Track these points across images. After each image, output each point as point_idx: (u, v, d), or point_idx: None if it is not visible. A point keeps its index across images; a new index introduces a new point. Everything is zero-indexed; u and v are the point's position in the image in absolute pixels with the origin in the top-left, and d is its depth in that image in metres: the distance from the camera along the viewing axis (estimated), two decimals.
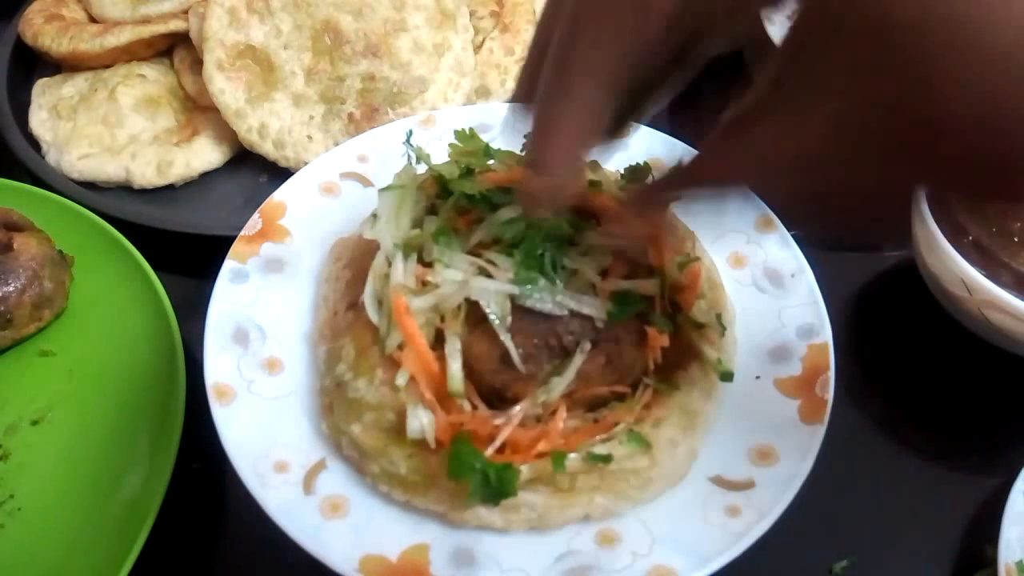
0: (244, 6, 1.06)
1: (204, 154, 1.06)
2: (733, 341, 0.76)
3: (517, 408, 0.63)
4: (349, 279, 0.74)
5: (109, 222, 0.94)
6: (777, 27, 1.22)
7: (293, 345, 0.75)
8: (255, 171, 1.08)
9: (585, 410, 0.67)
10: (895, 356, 0.93)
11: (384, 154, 0.88)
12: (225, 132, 1.07)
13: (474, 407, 0.64)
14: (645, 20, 0.47)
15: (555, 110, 0.51)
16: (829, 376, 0.72)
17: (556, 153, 0.52)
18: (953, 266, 0.82)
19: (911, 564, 0.78)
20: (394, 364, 0.65)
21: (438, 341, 0.65)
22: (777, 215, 0.81)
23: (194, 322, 0.79)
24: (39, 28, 1.13)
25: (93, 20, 1.18)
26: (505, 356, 0.63)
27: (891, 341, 0.95)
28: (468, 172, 0.71)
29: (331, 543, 0.62)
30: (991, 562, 0.72)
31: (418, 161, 0.73)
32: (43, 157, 1.07)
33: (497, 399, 0.65)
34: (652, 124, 0.92)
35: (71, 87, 1.13)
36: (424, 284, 0.65)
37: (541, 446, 0.63)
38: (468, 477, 0.60)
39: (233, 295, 0.76)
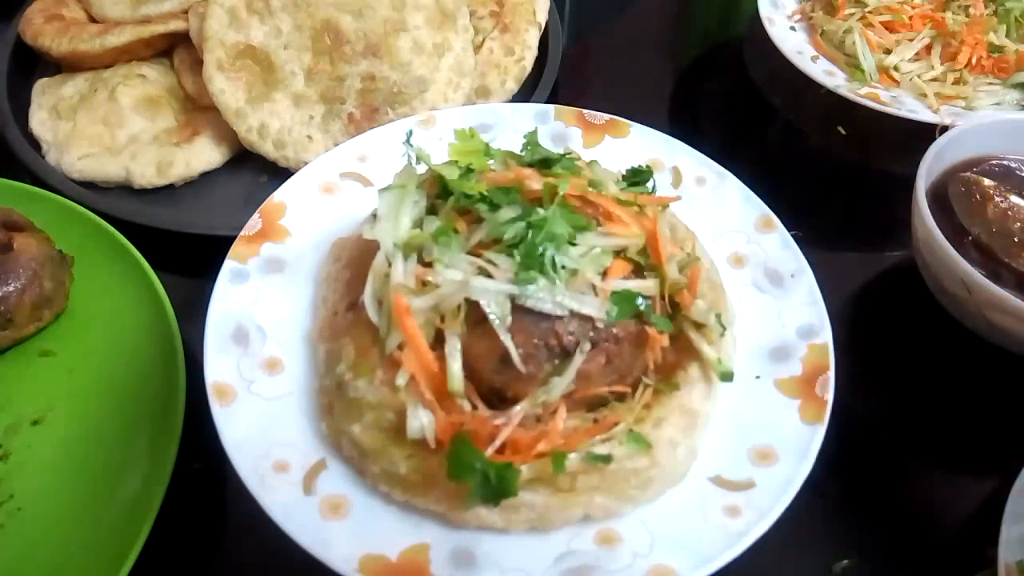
0: (244, 6, 1.06)
1: (204, 154, 1.06)
2: (733, 341, 0.76)
3: (517, 408, 0.63)
4: (349, 279, 0.74)
5: (109, 222, 0.94)
6: (777, 27, 1.22)
7: (293, 345, 0.75)
8: (255, 171, 1.08)
9: (585, 410, 0.66)
10: (895, 356, 0.94)
11: (384, 154, 0.88)
12: (225, 132, 1.07)
13: (474, 407, 0.64)
14: None
15: None
16: (829, 376, 0.72)
17: None
18: (953, 266, 0.82)
19: (911, 564, 0.78)
20: (394, 364, 0.65)
21: (438, 341, 0.65)
22: None
23: (194, 322, 0.79)
24: (39, 28, 1.13)
25: (93, 20, 1.18)
26: (505, 356, 0.63)
27: (891, 341, 0.95)
28: (468, 172, 0.71)
29: (331, 543, 0.62)
30: (991, 562, 0.72)
31: (418, 161, 0.73)
32: (43, 157, 1.07)
33: (497, 399, 0.65)
34: (652, 124, 0.92)
35: (71, 87, 1.13)
36: (424, 284, 0.65)
37: (541, 446, 0.63)
38: (468, 477, 0.60)
39: (233, 295, 0.76)
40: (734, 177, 0.87)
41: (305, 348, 0.75)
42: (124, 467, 0.77)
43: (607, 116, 0.93)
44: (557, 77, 1.17)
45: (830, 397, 0.70)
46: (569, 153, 0.78)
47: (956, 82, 1.14)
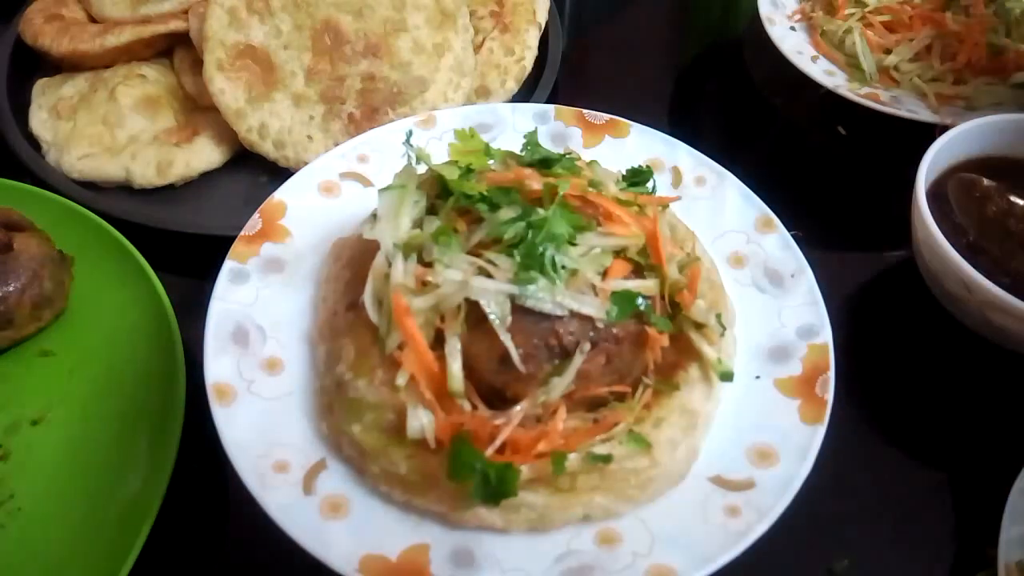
0: (244, 6, 1.06)
1: (204, 154, 1.06)
2: (733, 341, 0.76)
3: (517, 408, 0.63)
4: (349, 279, 0.74)
5: (109, 222, 0.94)
6: (777, 27, 1.22)
7: (293, 345, 0.75)
8: (255, 171, 1.08)
9: (585, 410, 0.66)
10: (895, 356, 0.93)
11: (384, 154, 0.88)
12: (225, 132, 1.07)
13: (474, 407, 0.64)
14: None
15: None
16: (829, 376, 0.72)
17: None
18: (953, 266, 0.82)
19: (911, 564, 0.78)
20: (394, 364, 0.65)
21: (438, 341, 0.65)
22: None
23: (194, 322, 0.79)
24: (39, 28, 1.13)
25: (93, 20, 1.18)
26: (505, 356, 0.63)
27: (891, 341, 0.95)
28: (468, 172, 0.71)
29: (331, 543, 0.62)
30: (991, 562, 0.72)
31: (418, 161, 0.73)
32: (43, 157, 1.07)
33: (497, 399, 0.65)
34: (652, 124, 0.92)
35: (71, 87, 1.13)
36: (424, 284, 0.65)
37: (541, 446, 0.63)
38: (468, 477, 0.60)
39: (233, 295, 0.76)
40: (734, 177, 0.87)
41: (305, 348, 0.75)
42: (124, 467, 0.77)
43: (607, 116, 0.93)
44: (557, 77, 1.17)
45: (830, 397, 0.70)
46: (569, 153, 0.78)
47: (956, 82, 1.14)
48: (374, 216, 0.72)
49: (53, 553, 0.73)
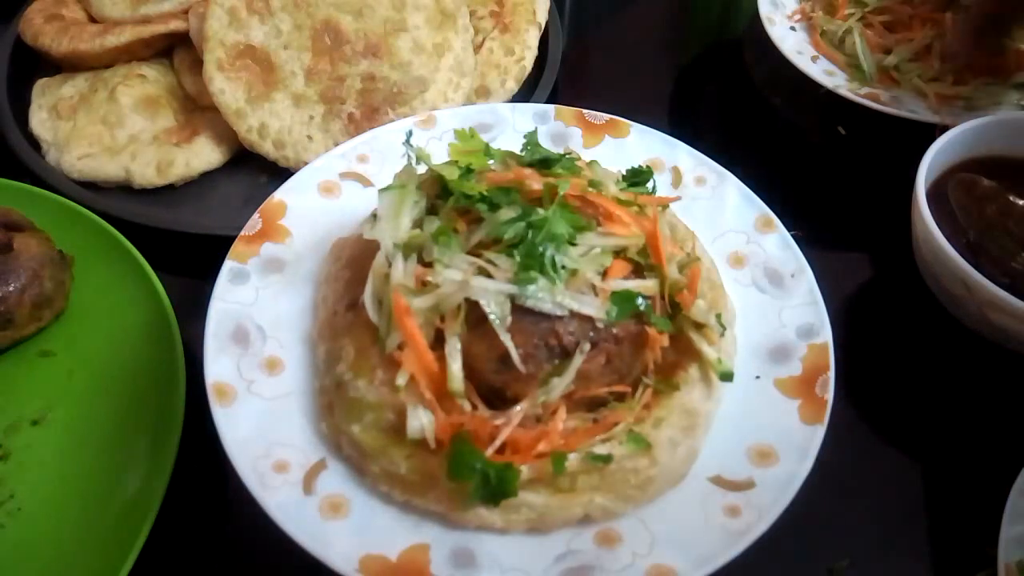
0: (244, 6, 1.06)
1: (204, 154, 1.06)
2: (733, 341, 0.76)
3: (517, 408, 0.63)
4: (349, 279, 0.74)
5: (109, 222, 0.94)
6: (777, 27, 1.22)
7: (293, 345, 0.75)
8: (255, 171, 1.08)
9: (585, 410, 0.66)
10: (895, 356, 0.93)
11: (384, 154, 0.88)
12: (225, 132, 1.07)
13: (474, 407, 0.64)
14: None
15: None
16: (829, 376, 0.72)
17: None
18: (953, 266, 0.82)
19: (911, 564, 0.78)
20: (394, 364, 0.65)
21: (438, 341, 0.65)
22: None
23: (194, 322, 0.79)
24: (39, 28, 1.13)
25: (93, 20, 1.18)
26: (505, 356, 0.63)
27: (891, 341, 0.95)
28: (468, 172, 0.71)
29: (331, 543, 0.62)
30: (991, 562, 0.72)
31: (418, 161, 0.73)
32: (43, 157, 1.07)
33: (497, 399, 0.65)
34: (652, 124, 0.92)
35: (71, 87, 1.13)
36: (424, 284, 0.65)
37: (541, 446, 0.63)
38: (468, 477, 0.60)
39: (233, 295, 0.76)
40: (734, 177, 0.87)
41: (305, 348, 0.75)
42: (124, 467, 0.77)
43: (607, 116, 0.93)
44: (557, 77, 1.17)
45: (830, 397, 0.70)
46: (569, 153, 0.78)
47: (956, 82, 1.14)
48: (374, 216, 0.72)
49: (53, 553, 0.73)
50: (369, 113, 1.06)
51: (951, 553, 0.78)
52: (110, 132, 1.07)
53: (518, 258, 0.64)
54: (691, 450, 0.68)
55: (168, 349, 0.82)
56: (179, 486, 0.73)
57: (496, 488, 0.60)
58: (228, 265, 0.77)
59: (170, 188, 1.05)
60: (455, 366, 0.63)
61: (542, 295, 0.63)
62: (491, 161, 0.74)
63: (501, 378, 0.64)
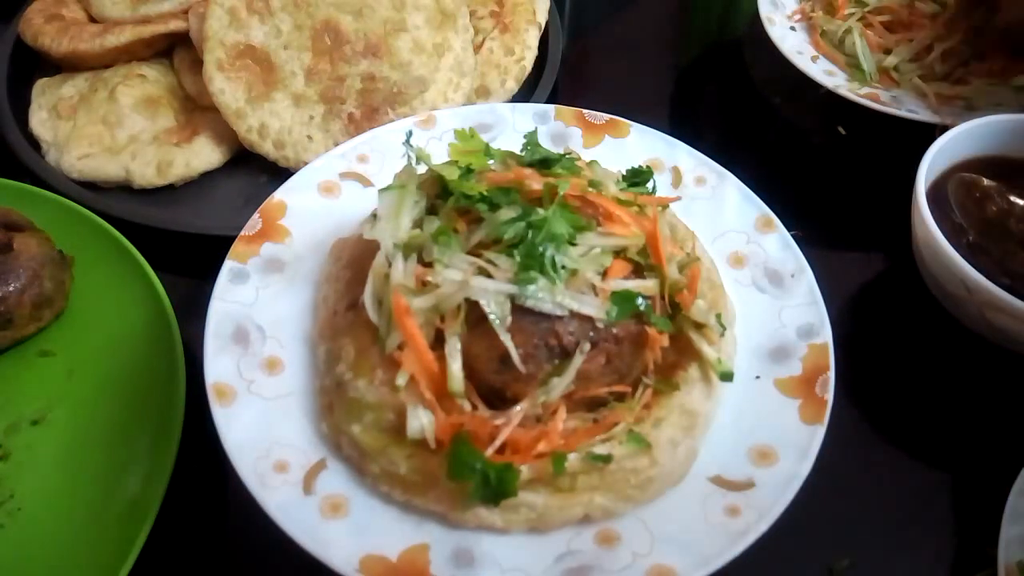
0: (244, 6, 1.06)
1: (204, 154, 1.06)
2: (733, 341, 0.76)
3: (517, 408, 0.63)
4: (349, 279, 0.74)
5: (109, 222, 0.94)
6: (777, 27, 1.22)
7: (293, 345, 0.75)
8: (255, 171, 1.08)
9: (585, 410, 0.67)
10: (895, 356, 0.93)
11: (384, 154, 0.88)
12: (225, 132, 1.07)
13: (474, 407, 0.64)
14: None
15: None
16: (829, 376, 0.72)
17: None
18: (953, 266, 0.82)
19: (911, 564, 0.78)
20: (394, 364, 0.65)
21: (438, 341, 0.65)
22: None
23: (194, 322, 0.79)
24: (39, 28, 1.13)
25: (93, 20, 1.18)
26: (505, 356, 0.63)
27: (891, 341, 0.95)
28: (468, 172, 0.71)
29: (331, 543, 0.62)
30: (991, 562, 0.72)
31: (418, 161, 0.73)
32: (43, 157, 1.07)
33: (497, 399, 0.65)
34: (652, 124, 0.92)
35: (71, 87, 1.13)
36: (424, 284, 0.65)
37: (541, 446, 0.63)
38: (468, 477, 0.60)
39: (233, 295, 0.76)
40: (734, 177, 0.87)
41: (305, 348, 0.75)
42: (124, 467, 0.77)
43: (607, 116, 0.93)
44: (557, 77, 1.17)
45: (830, 397, 0.70)
46: (569, 153, 0.78)
47: (956, 82, 1.14)
48: (374, 216, 0.72)
49: (53, 553, 0.73)
50: (369, 113, 1.06)
51: (951, 553, 0.78)
52: (110, 132, 1.07)
53: (518, 258, 0.64)
54: (691, 450, 0.68)
55: (168, 349, 0.82)
56: (179, 486, 0.73)
57: (496, 488, 0.60)
58: (228, 265, 0.77)
59: (170, 188, 1.05)
60: (455, 366, 0.63)
61: (542, 295, 0.63)
62: (491, 161, 0.74)
63: (501, 378, 0.64)
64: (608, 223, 0.70)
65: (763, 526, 0.63)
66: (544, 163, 0.74)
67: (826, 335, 0.75)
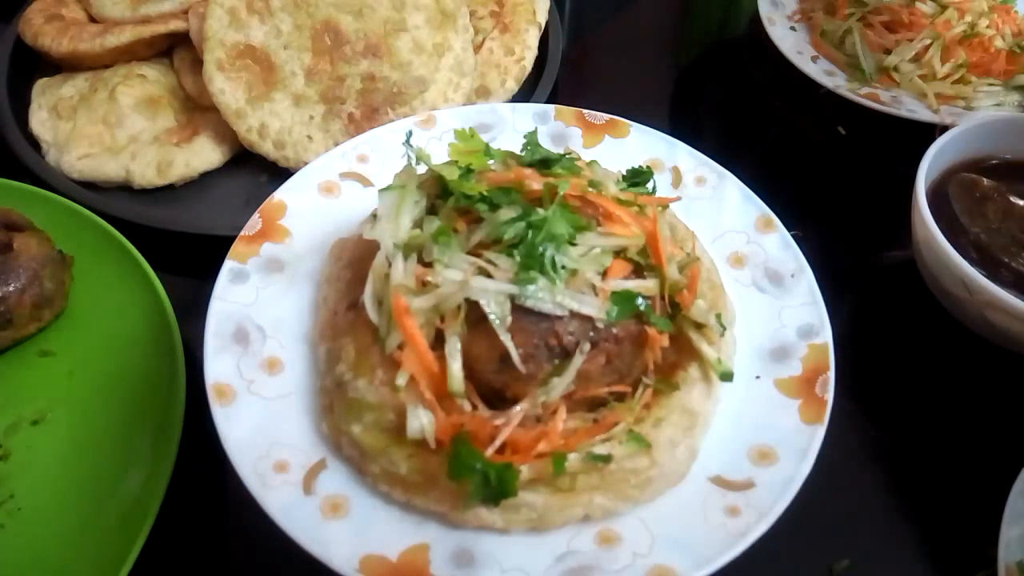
0: (244, 6, 1.06)
1: (204, 154, 1.06)
2: (733, 341, 0.76)
3: (517, 408, 0.63)
4: (349, 279, 0.74)
5: (109, 222, 0.94)
6: (777, 27, 1.22)
7: (293, 345, 0.75)
8: (255, 171, 1.08)
9: (585, 410, 0.67)
10: (895, 356, 0.94)
11: (384, 154, 0.88)
12: (225, 132, 1.06)
13: (474, 407, 0.64)
14: None
15: None
16: (829, 376, 0.72)
17: None
18: (953, 266, 0.82)
19: (911, 564, 0.78)
20: (394, 364, 0.65)
21: (438, 341, 0.65)
22: None
23: (194, 322, 0.79)
24: (39, 28, 1.13)
25: (93, 20, 1.18)
26: (505, 356, 0.63)
27: (891, 341, 0.95)
28: (468, 172, 0.71)
29: (331, 543, 0.62)
30: (991, 562, 0.72)
31: (418, 161, 0.73)
32: (43, 157, 1.07)
33: (497, 399, 0.65)
34: (652, 124, 0.92)
35: (71, 87, 1.13)
36: (424, 284, 0.65)
37: (541, 446, 0.63)
38: (468, 477, 0.60)
39: (233, 295, 0.76)
40: (734, 177, 0.87)
41: (305, 348, 0.75)
42: (124, 467, 0.77)
43: (607, 116, 0.93)
44: (557, 77, 1.17)
45: (830, 397, 0.70)
46: (569, 153, 0.78)
47: (956, 82, 1.14)
48: (374, 216, 0.72)
49: (53, 553, 0.73)
50: (369, 113, 1.06)
51: (951, 553, 0.78)
52: (110, 132, 1.07)
53: (518, 258, 0.64)
54: (691, 450, 0.68)
55: (168, 349, 0.82)
56: (179, 486, 0.73)
57: (496, 488, 0.60)
58: (228, 265, 0.77)
59: (170, 188, 1.05)
60: (455, 366, 0.63)
61: (542, 295, 0.63)
62: (491, 161, 0.74)
63: (501, 378, 0.64)
64: (608, 223, 0.70)
65: (763, 526, 0.63)
66: (544, 163, 0.74)
67: (826, 335, 0.75)
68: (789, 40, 1.21)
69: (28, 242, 0.88)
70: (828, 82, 1.13)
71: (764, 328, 0.77)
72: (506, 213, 0.67)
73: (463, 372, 0.64)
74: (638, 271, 0.69)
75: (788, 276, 0.80)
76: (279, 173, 1.03)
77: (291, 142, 1.05)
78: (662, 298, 0.69)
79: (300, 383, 0.72)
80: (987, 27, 1.17)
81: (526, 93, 1.16)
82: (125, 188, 1.05)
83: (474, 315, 0.64)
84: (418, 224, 0.69)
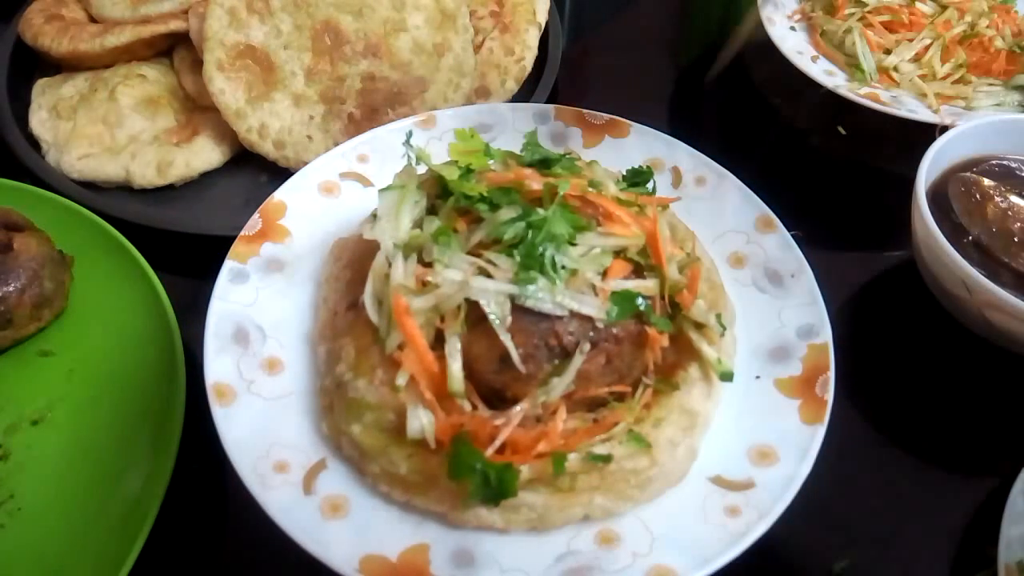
0: (244, 6, 1.06)
1: (204, 154, 1.06)
2: (733, 341, 0.76)
3: (517, 408, 0.63)
4: (349, 279, 0.74)
5: (109, 222, 0.94)
6: (777, 27, 1.22)
7: (293, 345, 0.75)
8: (255, 171, 1.08)
9: (585, 410, 0.67)
10: (895, 356, 0.93)
11: (384, 154, 0.88)
12: (225, 132, 1.07)
13: (474, 407, 0.64)
14: None
15: None
16: (829, 376, 0.72)
17: None
18: (953, 266, 0.82)
19: (911, 564, 0.78)
20: (394, 364, 0.65)
21: (438, 341, 0.65)
22: None
23: (194, 322, 0.79)
24: (39, 28, 1.13)
25: (93, 20, 1.18)
26: (505, 356, 0.63)
27: (891, 341, 0.95)
28: (468, 172, 0.71)
29: (331, 543, 0.62)
30: (991, 562, 0.72)
31: (418, 161, 0.73)
32: (43, 157, 1.07)
33: (497, 399, 0.65)
34: (652, 124, 0.92)
35: (71, 87, 1.13)
36: (424, 284, 0.65)
37: (541, 446, 0.63)
38: (468, 477, 0.60)
39: (233, 295, 0.76)
40: (734, 177, 0.87)
41: (305, 348, 0.75)
42: (124, 467, 0.77)
43: (607, 116, 0.93)
44: (557, 77, 1.17)
45: (830, 397, 0.70)
46: (569, 153, 0.78)
47: (956, 82, 1.14)
48: (374, 216, 0.72)
49: (53, 553, 0.73)
50: (369, 113, 1.06)
51: (951, 553, 0.78)
52: (110, 132, 1.07)
53: (518, 258, 0.64)
54: (691, 450, 0.68)
55: (168, 349, 0.82)
56: (179, 486, 0.73)
57: (496, 488, 0.60)
58: (228, 265, 0.77)
59: (170, 188, 1.05)
60: (455, 366, 0.63)
61: (542, 295, 0.63)
62: (491, 161, 0.74)
63: (501, 378, 0.64)
64: (608, 223, 0.70)
65: (763, 526, 0.63)
66: (544, 163, 0.74)
67: (826, 335, 0.75)
68: (789, 40, 1.21)
69: (28, 242, 0.88)
70: (828, 82, 1.13)
71: (764, 328, 0.77)
72: (506, 213, 0.67)
73: (463, 372, 0.64)
74: (638, 271, 0.69)
75: (788, 276, 0.80)
76: (279, 173, 1.03)
77: (291, 142, 1.05)
78: (662, 298, 0.69)
79: (300, 383, 0.72)
80: (987, 27, 1.17)
81: (526, 93, 1.16)
82: (125, 188, 1.05)
83: (474, 315, 0.64)
84: (418, 224, 0.69)
